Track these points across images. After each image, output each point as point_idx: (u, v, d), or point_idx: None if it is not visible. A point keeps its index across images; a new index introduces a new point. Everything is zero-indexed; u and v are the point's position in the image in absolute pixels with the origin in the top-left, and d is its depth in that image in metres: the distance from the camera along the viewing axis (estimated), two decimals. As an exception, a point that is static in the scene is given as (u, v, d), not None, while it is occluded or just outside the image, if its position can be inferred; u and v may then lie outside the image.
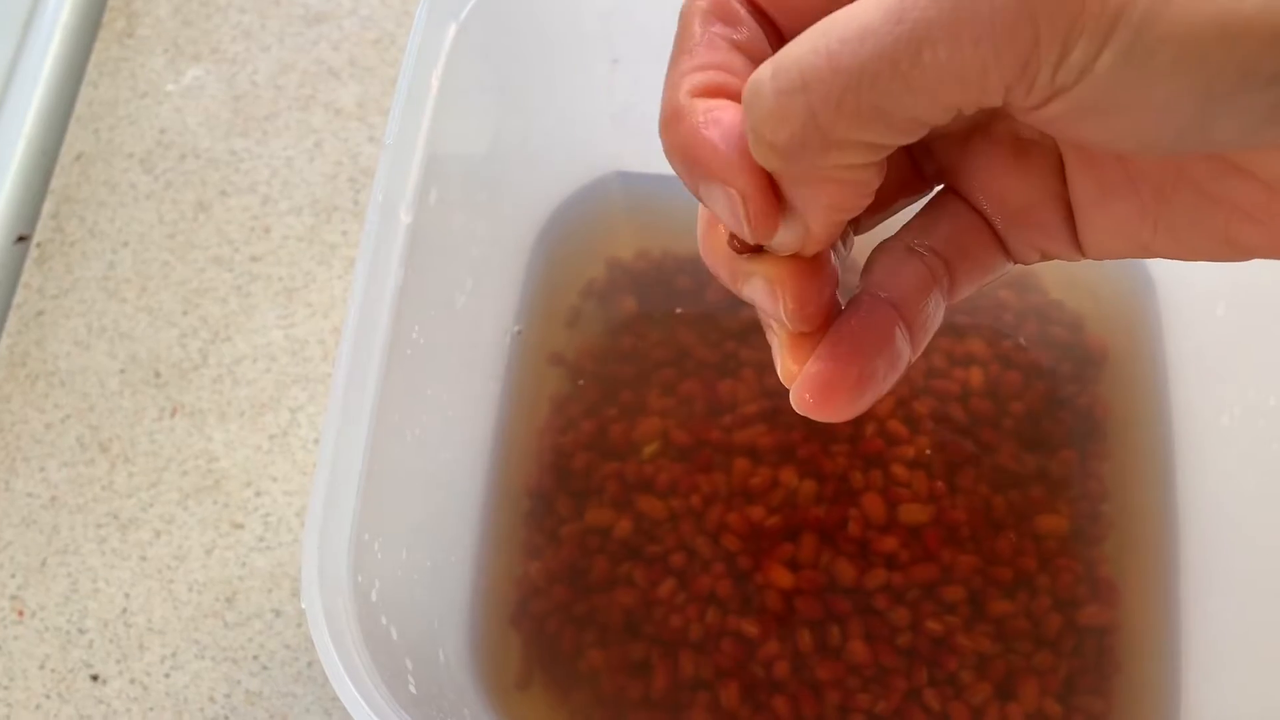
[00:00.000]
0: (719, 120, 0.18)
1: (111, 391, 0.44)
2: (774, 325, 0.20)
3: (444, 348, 0.35)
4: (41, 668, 0.40)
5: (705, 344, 0.43)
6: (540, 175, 0.43)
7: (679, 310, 0.44)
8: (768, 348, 0.45)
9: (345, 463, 0.27)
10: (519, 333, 0.42)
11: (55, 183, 0.49)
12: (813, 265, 0.19)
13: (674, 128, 0.18)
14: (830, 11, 0.16)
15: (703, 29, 0.19)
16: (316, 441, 0.43)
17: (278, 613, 0.40)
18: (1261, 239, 0.19)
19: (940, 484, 0.39)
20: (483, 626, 0.38)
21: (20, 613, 0.41)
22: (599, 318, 0.44)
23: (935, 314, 0.21)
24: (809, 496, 0.39)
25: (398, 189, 0.30)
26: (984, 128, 0.21)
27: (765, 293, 0.20)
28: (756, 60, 0.19)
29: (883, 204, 0.22)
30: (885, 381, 0.20)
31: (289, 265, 0.47)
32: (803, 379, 0.20)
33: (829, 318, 0.20)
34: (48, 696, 0.39)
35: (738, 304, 0.45)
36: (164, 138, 0.49)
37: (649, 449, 0.41)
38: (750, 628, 0.37)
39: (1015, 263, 0.22)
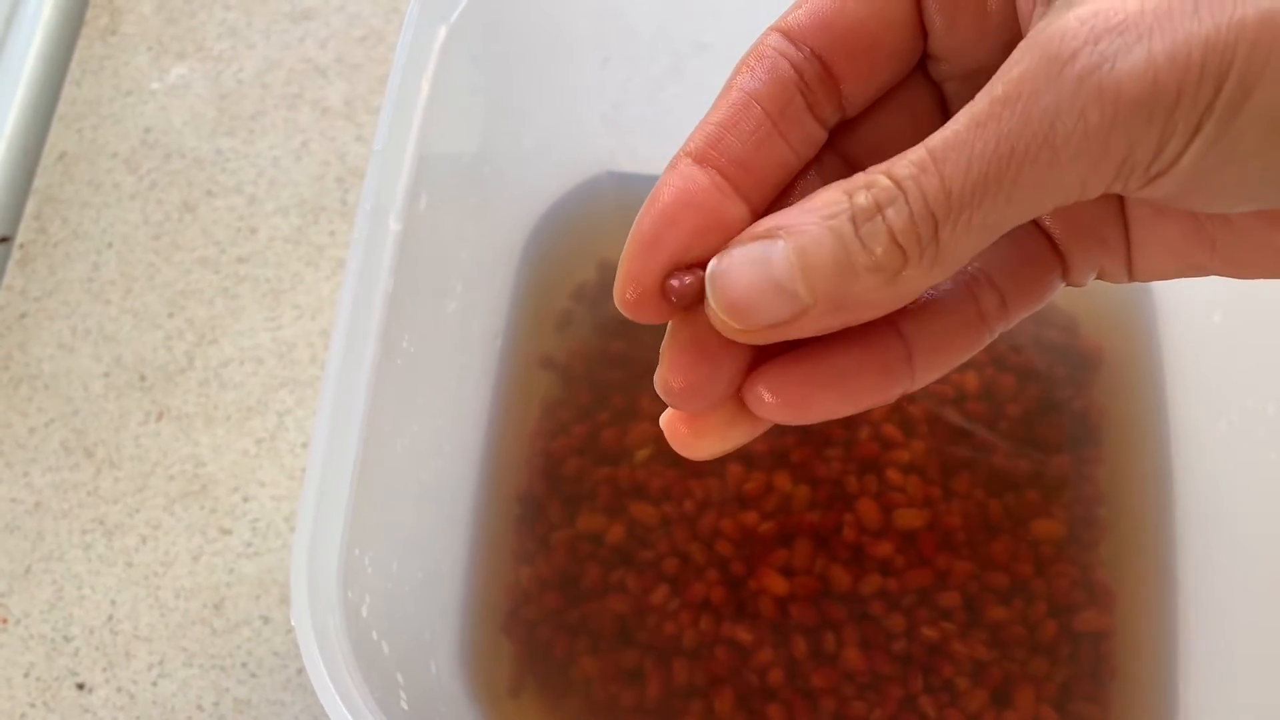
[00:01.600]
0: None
1: (96, 395, 0.44)
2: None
3: (434, 354, 0.35)
4: (26, 676, 0.39)
5: None
6: (531, 176, 0.42)
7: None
8: None
9: (334, 478, 0.26)
10: (499, 340, 0.42)
11: (38, 183, 0.48)
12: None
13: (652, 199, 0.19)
14: (867, 40, 0.18)
15: (734, 82, 0.19)
16: (304, 445, 0.43)
17: (266, 619, 0.40)
18: None
19: (935, 489, 0.39)
20: (474, 634, 0.37)
21: (4, 620, 0.40)
22: (590, 320, 0.44)
23: (961, 345, 0.20)
24: (803, 502, 0.39)
25: (387, 196, 0.29)
26: None
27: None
28: (775, 112, 0.19)
29: None
30: (850, 410, 0.19)
31: (276, 266, 0.46)
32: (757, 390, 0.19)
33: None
34: (33, 705, 0.39)
35: None
36: (148, 137, 0.49)
37: (641, 454, 0.41)
38: (744, 634, 0.37)
39: (1069, 284, 0.21)
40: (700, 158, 0.19)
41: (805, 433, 0.40)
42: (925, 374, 0.20)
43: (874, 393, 0.19)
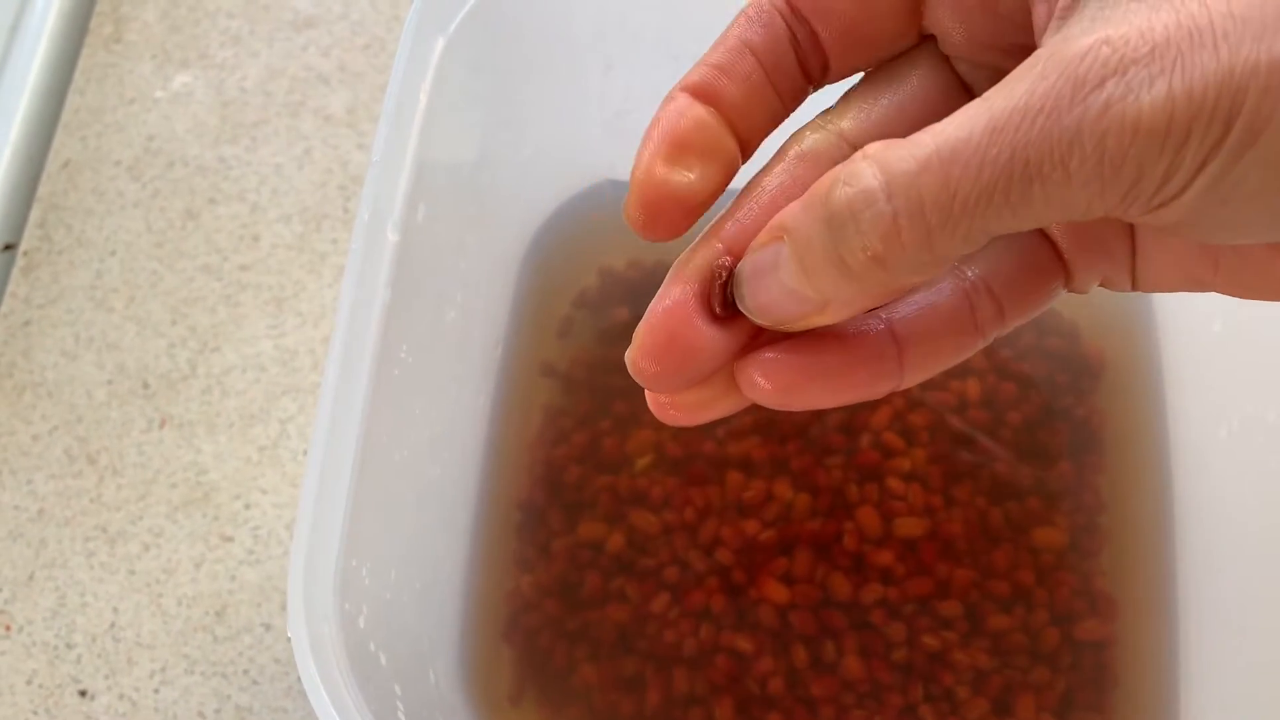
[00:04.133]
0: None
1: (99, 403, 0.44)
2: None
3: (433, 364, 0.35)
4: (29, 683, 0.39)
5: None
6: (531, 185, 0.42)
7: None
8: None
9: (331, 488, 0.26)
10: (500, 348, 0.42)
11: (42, 190, 0.48)
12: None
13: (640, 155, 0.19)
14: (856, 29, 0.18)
15: (732, 31, 0.20)
16: (306, 453, 0.43)
17: (268, 626, 0.40)
18: None
19: (937, 497, 0.39)
20: (474, 642, 0.38)
21: (8, 627, 0.40)
22: (591, 327, 0.44)
23: (953, 350, 0.20)
24: (803, 510, 0.39)
25: (385, 207, 0.29)
26: None
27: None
28: (769, 63, 0.19)
29: None
30: (837, 403, 0.20)
31: (278, 274, 0.46)
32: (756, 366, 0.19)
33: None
34: (35, 713, 0.39)
35: None
36: (152, 145, 0.49)
37: (642, 462, 0.41)
38: (744, 643, 0.37)
39: (1072, 290, 0.21)
40: (697, 93, 0.19)
41: (806, 440, 0.40)
42: (914, 375, 0.20)
43: (863, 388, 0.20)
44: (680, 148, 0.19)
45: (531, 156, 0.42)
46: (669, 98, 0.20)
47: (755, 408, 0.41)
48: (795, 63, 0.20)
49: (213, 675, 0.39)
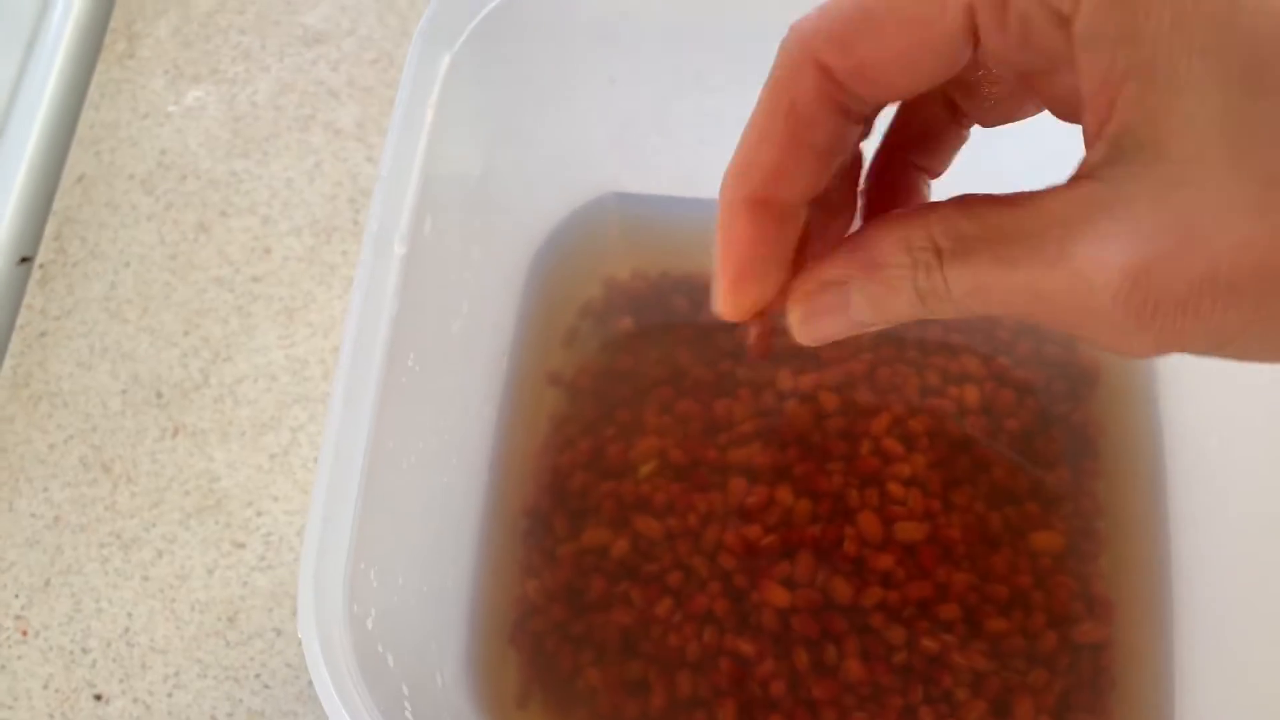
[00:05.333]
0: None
1: (114, 412, 0.45)
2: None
3: (440, 373, 0.36)
4: (45, 687, 0.40)
5: (702, 363, 0.43)
6: (536, 198, 0.43)
7: (676, 330, 0.44)
8: (764, 367, 0.44)
9: (340, 495, 0.27)
10: (505, 358, 0.42)
11: (57, 204, 0.49)
12: None
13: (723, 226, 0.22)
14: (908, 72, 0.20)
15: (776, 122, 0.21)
16: (317, 460, 0.43)
17: (279, 631, 0.41)
18: None
19: (936, 502, 0.39)
20: (480, 646, 0.38)
21: (24, 632, 0.41)
22: (596, 337, 0.44)
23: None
24: (805, 515, 0.39)
25: (392, 220, 0.30)
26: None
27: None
28: (821, 143, 0.21)
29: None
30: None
31: (289, 285, 0.47)
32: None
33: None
34: (51, 716, 0.40)
35: (734, 324, 0.45)
36: (165, 159, 0.50)
37: (646, 468, 0.41)
38: (747, 647, 0.37)
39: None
40: (755, 206, 0.22)
41: (807, 447, 0.41)
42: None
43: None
44: (749, 267, 0.22)
45: (537, 169, 0.43)
46: (729, 209, 0.22)
47: (755, 414, 0.42)
48: (845, 122, 0.21)
49: (225, 679, 0.40)
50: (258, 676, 0.40)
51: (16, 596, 0.42)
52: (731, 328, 0.44)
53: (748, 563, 0.39)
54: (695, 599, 0.38)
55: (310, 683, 0.40)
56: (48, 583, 0.42)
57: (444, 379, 0.36)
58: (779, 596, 0.38)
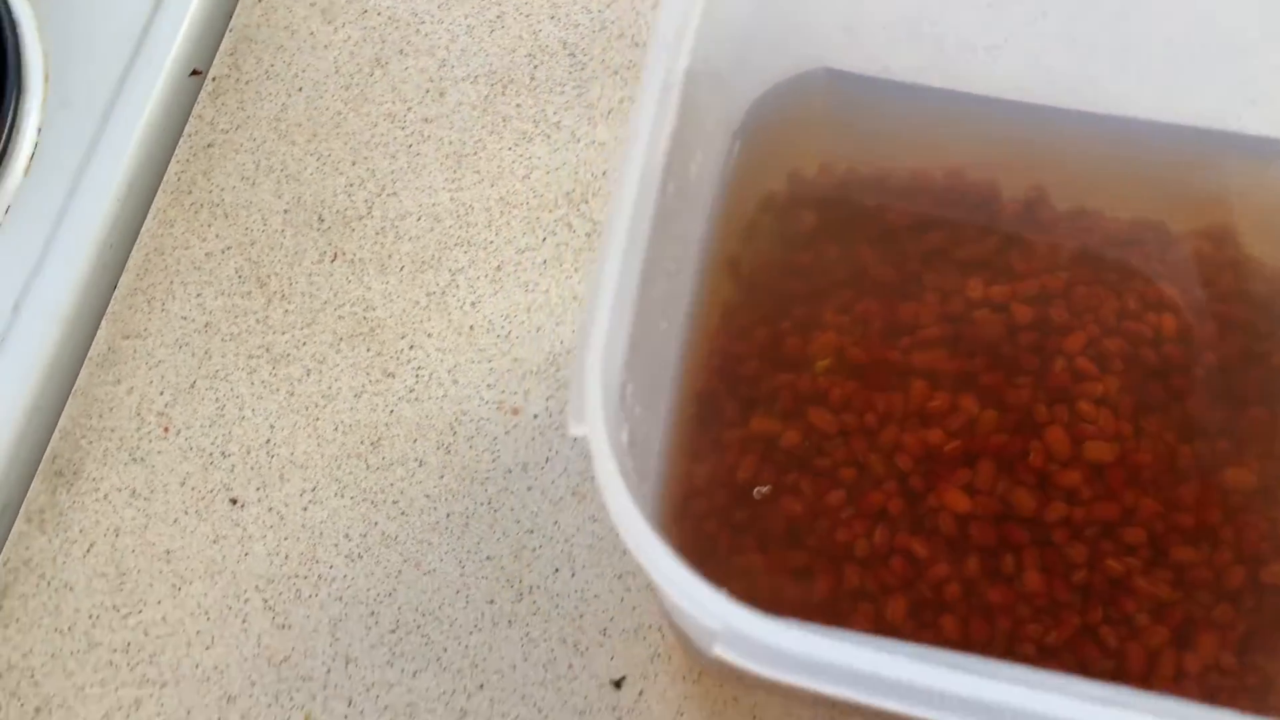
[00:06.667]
0: None
1: (274, 230, 0.44)
2: None
3: (679, 215, 0.34)
4: (183, 484, 0.39)
5: (887, 264, 0.41)
6: (750, 62, 0.41)
7: (860, 229, 0.42)
8: (952, 273, 0.43)
9: (621, 305, 0.26)
10: (703, 230, 0.40)
11: (235, 21, 0.48)
12: None
13: None
14: None
15: None
16: (474, 304, 0.42)
17: (420, 462, 0.39)
18: None
19: (1127, 425, 0.37)
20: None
21: (166, 429, 0.40)
22: (777, 231, 0.43)
23: None
24: (989, 425, 0.37)
25: (675, 44, 0.29)
26: None
27: None
28: None
29: None
30: None
31: (460, 130, 0.46)
32: None
33: None
34: (186, 512, 0.39)
35: (924, 227, 0.43)
36: (349, -11, 0.49)
37: (822, 364, 0.40)
38: (920, 548, 0.36)
39: None
40: None
41: (995, 357, 0.39)
42: None
43: None
44: None
45: (743, 34, 0.41)
46: None
47: (942, 320, 0.40)
48: None
49: (361, 501, 0.39)
50: (395, 503, 0.39)
51: (161, 394, 0.41)
52: (920, 231, 0.43)
53: (926, 466, 0.37)
54: (869, 495, 0.37)
55: (448, 515, 0.39)
56: (193, 384, 0.41)
57: (676, 224, 0.35)
58: (959, 502, 0.36)
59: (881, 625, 0.35)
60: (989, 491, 0.36)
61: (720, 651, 0.25)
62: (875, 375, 0.39)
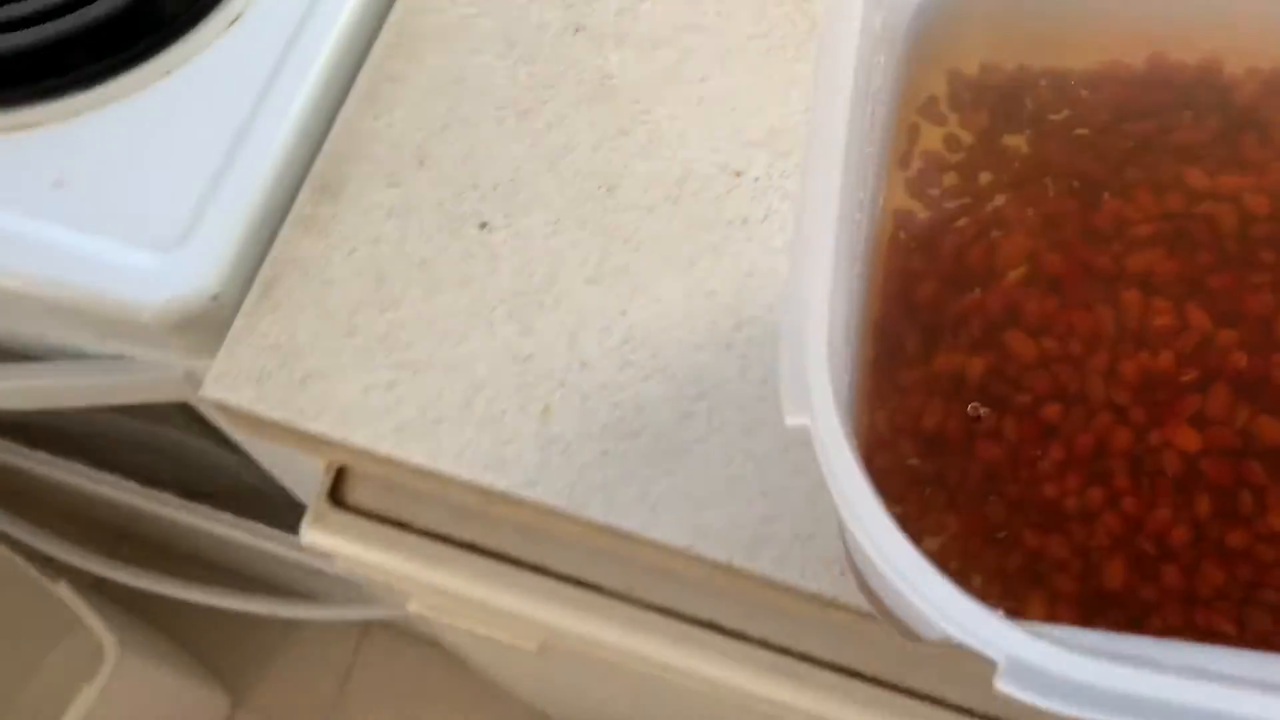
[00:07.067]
0: None
1: (520, 4, 0.47)
2: None
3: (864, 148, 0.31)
4: (436, 208, 0.43)
5: (1084, 157, 0.35)
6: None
7: (1043, 126, 0.36)
8: (1168, 162, 0.35)
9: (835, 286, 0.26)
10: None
11: None
12: None
13: None
14: None
15: None
16: (703, 80, 0.45)
17: (651, 210, 0.43)
18: None
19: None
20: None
21: (421, 161, 0.44)
22: (936, 135, 0.36)
23: None
24: (1222, 342, 0.32)
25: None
26: None
27: None
28: None
29: None
30: None
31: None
32: None
33: None
34: (439, 231, 0.42)
35: (1124, 118, 0.35)
36: None
37: (1013, 274, 0.34)
38: (1132, 501, 0.32)
39: None
40: None
41: (1223, 255, 0.33)
42: None
43: None
44: None
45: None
46: None
47: (1157, 218, 0.35)
48: None
49: (599, 234, 0.42)
50: (626, 240, 0.42)
51: (418, 130, 0.44)
52: (1118, 121, 0.34)
53: (1145, 395, 0.33)
54: (1079, 438, 0.32)
55: (676, 253, 0.42)
56: (445, 127, 0.44)
57: (870, 148, 0.32)
58: (1188, 439, 0.32)
59: (1099, 592, 0.32)
60: (1225, 421, 0.32)
61: (1004, 687, 0.22)
62: (1078, 288, 0.34)
